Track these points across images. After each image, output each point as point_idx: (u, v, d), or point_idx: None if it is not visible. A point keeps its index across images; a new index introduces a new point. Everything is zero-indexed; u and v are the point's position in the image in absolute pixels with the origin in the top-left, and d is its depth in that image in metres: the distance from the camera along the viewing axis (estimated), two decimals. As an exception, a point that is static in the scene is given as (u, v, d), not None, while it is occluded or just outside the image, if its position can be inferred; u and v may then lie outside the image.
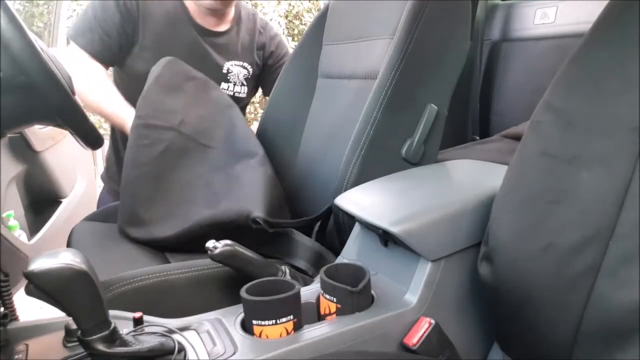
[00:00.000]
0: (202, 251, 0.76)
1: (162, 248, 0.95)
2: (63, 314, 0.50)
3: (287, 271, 0.79)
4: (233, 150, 1.02)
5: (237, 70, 1.33)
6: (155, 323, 0.61)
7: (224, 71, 1.31)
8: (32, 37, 0.61)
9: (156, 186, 0.97)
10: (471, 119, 1.46)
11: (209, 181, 0.98)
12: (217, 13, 1.27)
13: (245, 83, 1.36)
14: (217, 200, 0.93)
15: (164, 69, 1.06)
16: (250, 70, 1.36)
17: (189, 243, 0.91)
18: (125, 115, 1.16)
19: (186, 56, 1.15)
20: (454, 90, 0.96)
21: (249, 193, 0.91)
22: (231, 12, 1.33)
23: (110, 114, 1.20)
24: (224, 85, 1.31)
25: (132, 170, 0.98)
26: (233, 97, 1.30)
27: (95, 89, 1.19)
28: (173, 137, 1.00)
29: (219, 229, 0.87)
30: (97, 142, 0.77)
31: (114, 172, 1.40)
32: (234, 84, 1.33)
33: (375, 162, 0.89)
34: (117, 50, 1.20)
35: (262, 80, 1.44)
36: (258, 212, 0.85)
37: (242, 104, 1.38)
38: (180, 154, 1.00)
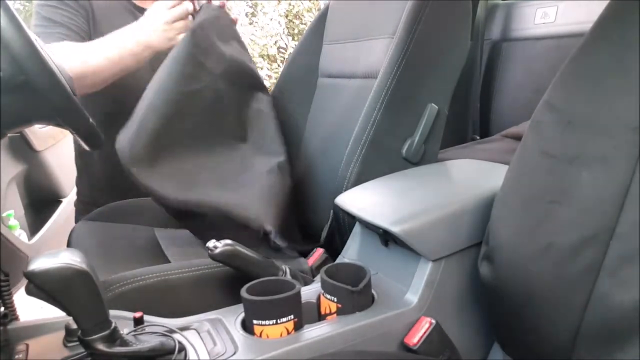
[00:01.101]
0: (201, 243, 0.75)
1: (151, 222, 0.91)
2: (63, 314, 0.50)
3: (288, 271, 0.78)
4: (260, 144, 0.96)
5: None
6: (156, 323, 0.61)
7: None
8: (32, 36, 0.61)
9: (178, 136, 0.87)
10: (471, 118, 1.46)
11: (229, 155, 0.93)
12: None
13: None
14: (234, 187, 0.88)
15: (211, 17, 0.97)
16: None
17: (184, 218, 0.88)
18: (132, 39, 0.97)
19: None
20: (454, 90, 0.96)
21: (266, 200, 0.88)
22: None
23: (120, 56, 0.99)
24: None
25: (166, 105, 0.85)
26: None
27: (87, 52, 1.01)
28: (214, 86, 0.90)
29: (222, 221, 0.84)
30: (98, 141, 0.77)
31: (88, 197, 1.29)
32: None
33: (376, 161, 0.89)
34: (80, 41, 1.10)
35: None
36: (270, 226, 0.85)
37: None
38: (214, 108, 0.91)
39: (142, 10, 1.16)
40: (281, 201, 0.91)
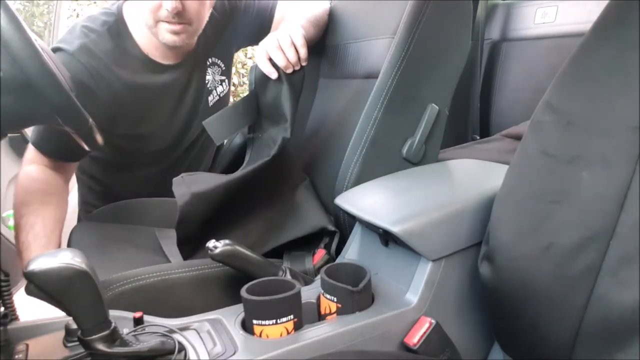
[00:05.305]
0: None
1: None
2: (63, 314, 0.50)
3: (288, 271, 0.78)
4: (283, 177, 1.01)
5: (211, 76, 1.20)
6: (156, 323, 0.61)
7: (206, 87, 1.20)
8: (32, 36, 0.61)
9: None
10: (471, 118, 1.46)
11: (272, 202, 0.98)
12: (175, 48, 1.07)
13: (223, 78, 1.24)
14: (287, 221, 0.94)
15: None
16: (222, 64, 1.23)
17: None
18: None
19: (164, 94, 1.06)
20: (454, 90, 0.96)
21: (316, 209, 0.94)
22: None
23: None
24: (210, 97, 1.19)
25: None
26: (220, 99, 1.21)
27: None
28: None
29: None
30: (97, 142, 0.77)
31: (88, 197, 1.23)
32: (215, 88, 1.21)
33: (376, 161, 0.89)
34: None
35: (233, 49, 1.30)
36: (331, 225, 0.90)
37: (227, 98, 1.27)
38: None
39: (160, 66, 1.09)
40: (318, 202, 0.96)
